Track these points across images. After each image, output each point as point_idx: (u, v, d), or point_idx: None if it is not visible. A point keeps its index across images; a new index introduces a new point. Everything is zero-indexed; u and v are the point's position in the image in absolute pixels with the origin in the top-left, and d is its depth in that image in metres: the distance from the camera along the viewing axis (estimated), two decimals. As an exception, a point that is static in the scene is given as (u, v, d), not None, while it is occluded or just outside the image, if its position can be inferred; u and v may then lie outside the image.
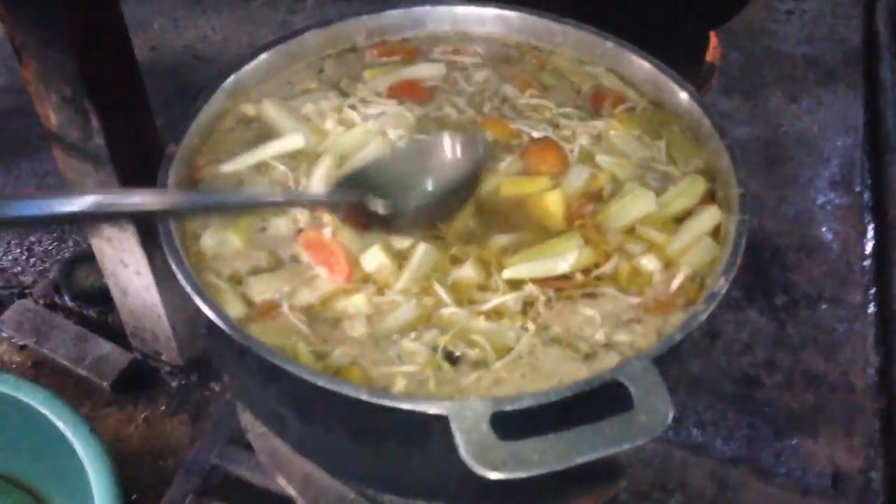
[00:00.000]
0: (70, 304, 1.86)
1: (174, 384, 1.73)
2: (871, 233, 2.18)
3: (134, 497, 1.58)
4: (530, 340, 0.88)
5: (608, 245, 0.98)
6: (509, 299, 0.92)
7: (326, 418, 0.87)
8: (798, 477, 1.69)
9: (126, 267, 1.54)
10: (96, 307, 1.85)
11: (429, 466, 0.88)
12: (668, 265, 0.97)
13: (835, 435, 1.76)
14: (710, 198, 1.04)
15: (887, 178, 2.31)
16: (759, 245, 2.12)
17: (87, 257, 1.80)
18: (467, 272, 0.94)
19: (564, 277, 0.94)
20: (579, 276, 0.95)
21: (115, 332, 1.76)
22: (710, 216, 1.00)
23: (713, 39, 1.91)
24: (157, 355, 1.73)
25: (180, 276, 0.87)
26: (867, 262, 2.11)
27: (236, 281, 0.96)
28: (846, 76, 2.58)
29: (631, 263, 0.96)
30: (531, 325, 0.89)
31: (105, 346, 1.76)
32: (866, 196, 2.27)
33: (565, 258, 0.94)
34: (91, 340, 1.77)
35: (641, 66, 1.16)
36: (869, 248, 2.14)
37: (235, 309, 0.92)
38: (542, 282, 0.94)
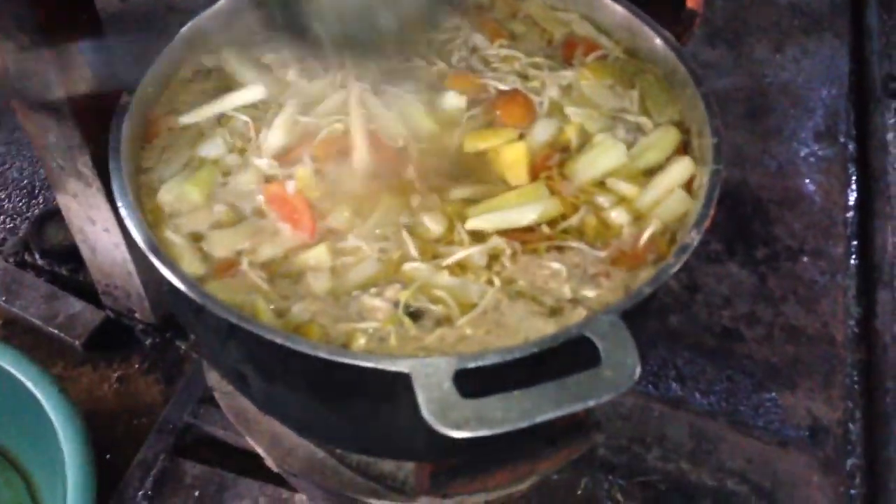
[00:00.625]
0: (40, 261, 1.82)
1: (148, 342, 1.71)
2: (854, 185, 2.16)
3: (108, 457, 1.56)
4: (495, 295, 0.86)
5: (576, 197, 0.95)
6: (474, 252, 0.89)
7: (287, 377, 0.85)
8: (776, 429, 1.69)
9: (94, 224, 1.51)
10: (67, 265, 1.81)
11: (394, 424, 0.86)
12: (638, 219, 0.94)
13: (814, 387, 1.76)
14: (683, 150, 1.01)
15: (871, 128, 2.28)
16: (740, 198, 2.10)
17: (57, 214, 1.76)
18: (430, 224, 0.92)
19: (530, 230, 0.91)
20: (545, 229, 0.93)
21: (87, 290, 1.73)
22: (682, 168, 0.97)
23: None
24: (130, 313, 1.70)
25: (134, 232, 0.84)
26: (850, 214, 2.09)
27: (196, 238, 0.93)
28: (832, 24, 2.54)
29: (599, 217, 0.94)
30: (496, 280, 0.86)
31: (77, 305, 1.73)
32: (850, 147, 2.24)
33: (531, 209, 0.91)
34: (62, 299, 1.74)
35: (616, 11, 1.12)
36: (852, 199, 2.12)
37: (193, 266, 0.89)
38: (507, 234, 0.91)
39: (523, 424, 0.72)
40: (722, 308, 1.86)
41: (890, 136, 2.28)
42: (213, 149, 1.01)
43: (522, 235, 0.91)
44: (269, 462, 1.05)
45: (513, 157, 0.97)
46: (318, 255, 0.90)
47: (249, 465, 1.38)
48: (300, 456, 1.02)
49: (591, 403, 0.73)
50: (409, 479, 0.99)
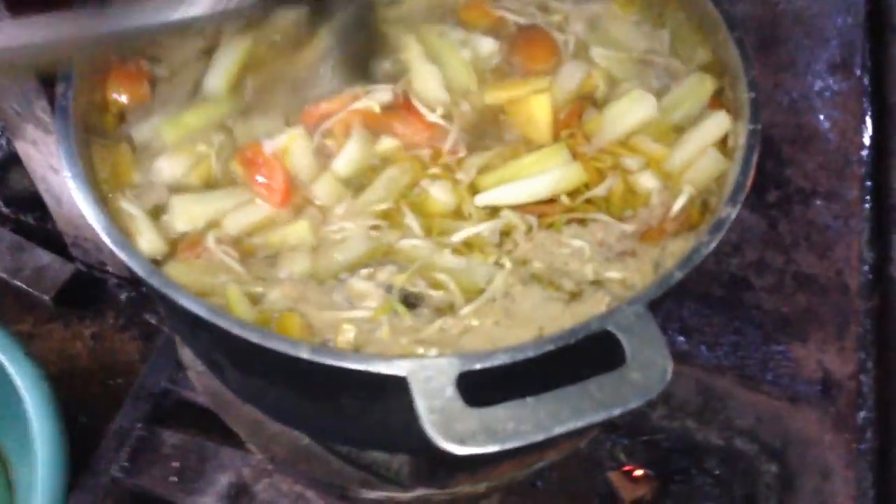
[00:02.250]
0: (5, 209, 1.70)
1: (123, 297, 1.61)
2: (869, 121, 2.04)
3: (84, 421, 1.47)
4: (506, 279, 0.75)
5: (602, 161, 0.83)
6: (483, 229, 0.78)
7: (266, 372, 0.75)
8: (786, 384, 1.61)
9: (56, 173, 1.38)
10: (34, 213, 1.69)
11: (388, 422, 0.77)
12: (668, 183, 0.83)
13: (826, 339, 1.68)
14: (716, 101, 0.89)
15: (888, 59, 2.15)
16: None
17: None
18: (439, 195, 0.80)
19: (549, 201, 0.80)
20: (566, 199, 0.81)
21: (57, 241, 1.62)
22: (716, 124, 0.86)
23: None
24: (102, 266, 1.59)
25: (82, 204, 0.72)
26: (865, 153, 1.98)
27: (157, 213, 0.81)
28: (848, -54, 2.37)
29: (626, 182, 0.82)
30: (507, 261, 0.75)
31: (45, 257, 1.62)
32: (866, 80, 2.11)
33: (550, 178, 0.79)
34: (29, 250, 1.63)
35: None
36: (867, 137, 2.00)
37: (154, 244, 0.77)
38: (521, 207, 0.80)
39: (539, 438, 0.62)
40: (730, 256, 1.76)
41: (907, 67, 2.15)
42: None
43: (540, 208, 0.79)
44: (251, 447, 0.96)
45: (536, 110, 0.84)
46: (298, 231, 0.79)
47: (233, 433, 1.29)
48: (284, 443, 0.93)
49: (617, 412, 0.63)
50: (403, 469, 0.90)
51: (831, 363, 1.66)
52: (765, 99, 2.03)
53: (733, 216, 0.74)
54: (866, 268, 1.80)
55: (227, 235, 0.79)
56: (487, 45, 0.91)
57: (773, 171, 1.91)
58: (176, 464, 1.28)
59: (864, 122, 2.02)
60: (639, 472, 1.44)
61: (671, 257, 0.77)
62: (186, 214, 0.79)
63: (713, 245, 0.73)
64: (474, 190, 0.82)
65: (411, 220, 0.78)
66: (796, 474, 1.46)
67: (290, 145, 0.82)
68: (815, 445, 1.52)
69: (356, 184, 0.84)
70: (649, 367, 0.65)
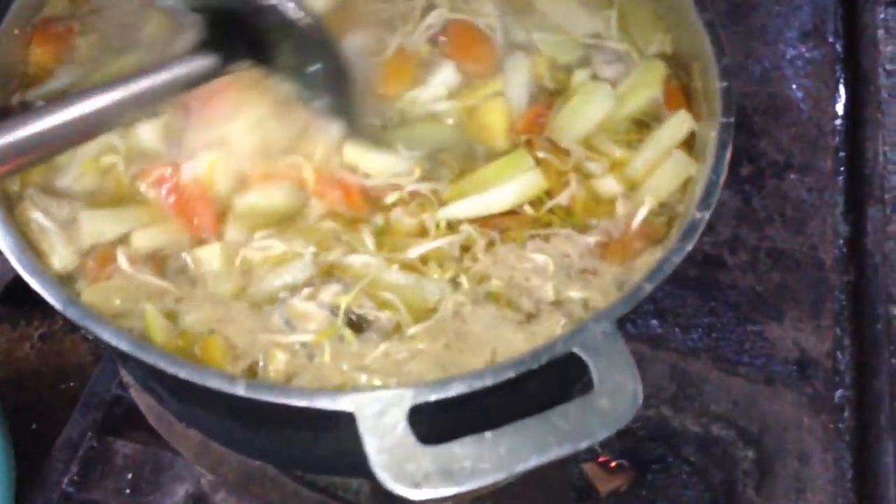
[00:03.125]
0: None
1: (72, 296, 1.53)
2: (842, 89, 1.99)
3: (35, 426, 1.40)
4: (457, 298, 0.69)
5: (564, 165, 0.76)
6: (441, 244, 0.71)
7: (205, 403, 0.69)
8: (762, 365, 1.57)
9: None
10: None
11: (340, 450, 0.71)
12: (633, 189, 0.77)
13: (801, 316, 1.64)
14: (678, 95, 0.83)
15: (861, 25, 2.10)
16: (722, 108, 1.92)
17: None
18: (401, 217, 0.73)
19: (512, 213, 0.74)
20: (529, 210, 0.75)
21: (-1, 238, 1.54)
22: (678, 124, 0.79)
23: None
24: (48, 264, 1.51)
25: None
26: (838, 122, 1.94)
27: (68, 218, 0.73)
28: None
29: (589, 188, 0.76)
30: (464, 278, 0.69)
31: (-11, 255, 1.54)
32: (839, 47, 2.06)
33: (511, 189, 0.73)
34: (-29, 249, 1.55)
35: None
36: (840, 105, 1.96)
37: (63, 259, 0.71)
38: (483, 220, 0.74)
39: (500, 476, 0.57)
40: (703, 234, 1.70)
41: (881, 32, 2.10)
42: None
43: (502, 220, 0.73)
44: (199, 471, 0.90)
45: (489, 117, 0.78)
46: (210, 254, 0.72)
47: (189, 440, 1.23)
48: (234, 464, 0.87)
49: (584, 445, 0.58)
50: (363, 489, 0.84)
51: (807, 342, 1.62)
52: (736, 69, 1.98)
53: (706, 220, 0.69)
54: (841, 241, 1.77)
55: (139, 253, 0.72)
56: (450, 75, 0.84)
57: (746, 144, 1.86)
58: (130, 475, 1.21)
59: (837, 90, 1.97)
60: (614, 463, 1.40)
61: (638, 273, 0.71)
62: (96, 231, 0.72)
63: (685, 252, 0.68)
64: (434, 205, 0.75)
65: (367, 237, 0.72)
66: (774, 459, 1.43)
67: (214, 169, 0.75)
68: (792, 429, 1.49)
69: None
70: (619, 392, 0.60)
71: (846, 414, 1.55)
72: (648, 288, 0.66)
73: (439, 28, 0.86)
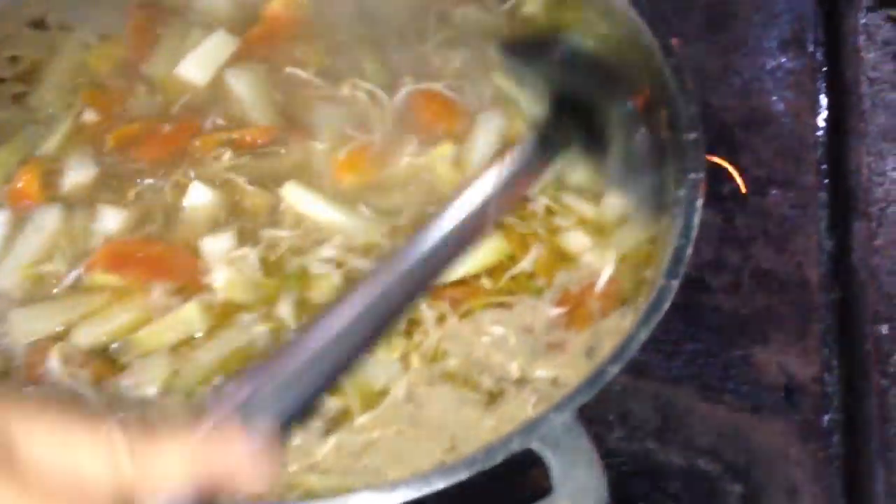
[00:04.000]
0: None
1: None
2: (824, 99, 1.95)
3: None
4: (410, 379, 0.63)
5: (529, 226, 0.71)
6: (383, 322, 0.66)
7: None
8: (748, 392, 1.53)
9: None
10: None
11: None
12: (599, 245, 0.72)
13: (787, 339, 1.60)
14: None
15: (842, 33, 2.06)
16: (703, 123, 1.87)
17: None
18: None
19: (464, 283, 0.68)
20: (486, 282, 0.70)
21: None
22: None
23: None
24: None
25: None
26: (820, 134, 1.89)
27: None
28: (796, -89, 2.27)
29: (553, 247, 0.71)
30: (415, 357, 0.64)
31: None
32: (819, 56, 2.02)
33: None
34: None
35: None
36: (822, 117, 1.92)
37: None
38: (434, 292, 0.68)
39: None
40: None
41: (862, 38, 2.05)
42: None
43: (455, 291, 0.67)
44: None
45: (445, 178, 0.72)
46: (187, 315, 0.66)
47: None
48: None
49: (544, 560, 0.53)
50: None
51: (793, 365, 1.58)
52: (715, 82, 1.94)
53: (674, 289, 0.64)
54: (826, 258, 1.72)
55: (78, 349, 0.67)
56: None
57: (727, 159, 1.82)
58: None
59: (818, 101, 1.93)
60: (597, 502, 1.35)
61: (607, 336, 0.66)
62: (28, 331, 0.67)
63: (651, 328, 0.63)
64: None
65: (286, 308, 0.67)
66: (762, 494, 1.39)
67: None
68: (780, 460, 1.45)
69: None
70: (581, 493, 0.55)
71: (835, 439, 1.51)
72: (613, 370, 0.61)
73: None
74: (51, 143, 0.91)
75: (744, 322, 1.61)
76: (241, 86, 0.93)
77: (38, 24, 1.11)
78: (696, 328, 1.59)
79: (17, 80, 1.08)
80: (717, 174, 1.77)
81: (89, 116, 0.95)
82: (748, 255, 1.69)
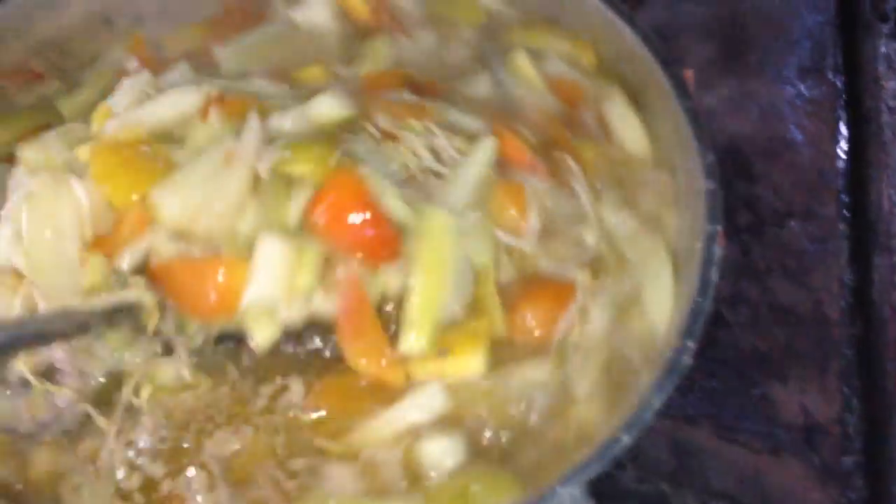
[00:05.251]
0: None
1: None
2: (844, 129, 1.91)
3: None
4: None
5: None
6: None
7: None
8: (766, 433, 1.48)
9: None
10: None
11: None
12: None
13: (807, 377, 1.55)
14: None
15: (862, 59, 2.02)
16: (719, 153, 1.83)
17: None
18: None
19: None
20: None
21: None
22: None
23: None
24: None
25: None
26: (841, 164, 1.85)
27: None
28: (815, -64, 2.23)
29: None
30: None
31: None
32: (839, 84, 1.98)
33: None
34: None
35: None
36: (842, 147, 1.87)
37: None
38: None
39: None
40: (701, 289, 1.63)
41: (882, 67, 2.01)
42: None
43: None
44: None
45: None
46: None
47: None
48: None
49: None
50: None
51: (813, 404, 1.53)
52: (733, 109, 1.90)
53: (692, 351, 0.60)
54: (846, 293, 1.68)
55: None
56: None
57: (744, 189, 1.78)
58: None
59: (838, 130, 1.89)
60: (610, 547, 1.31)
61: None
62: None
63: (667, 394, 0.59)
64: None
65: None
66: (780, 539, 1.34)
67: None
68: (799, 505, 1.40)
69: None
70: None
71: (856, 482, 1.47)
72: (626, 440, 0.57)
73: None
74: None
75: (762, 359, 1.56)
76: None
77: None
78: (712, 364, 1.55)
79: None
80: (732, 205, 1.74)
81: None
82: (766, 288, 1.65)
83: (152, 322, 0.85)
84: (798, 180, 1.79)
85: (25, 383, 0.70)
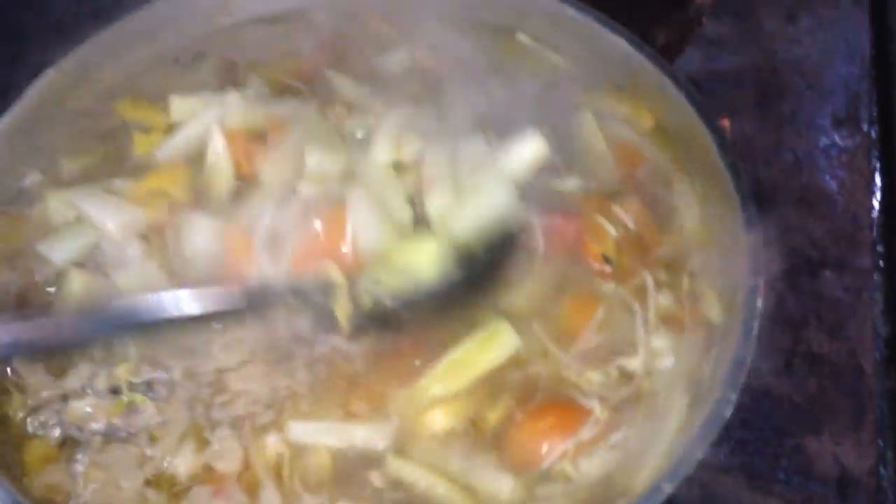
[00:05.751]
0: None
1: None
2: (879, 179, 1.91)
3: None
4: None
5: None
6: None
7: None
8: (799, 484, 1.47)
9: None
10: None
11: None
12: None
13: (841, 428, 1.54)
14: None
15: (896, 111, 2.02)
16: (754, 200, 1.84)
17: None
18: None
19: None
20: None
21: None
22: None
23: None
24: None
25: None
26: (875, 215, 1.85)
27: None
28: (850, -11, 2.25)
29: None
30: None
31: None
32: (874, 135, 1.98)
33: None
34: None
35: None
36: (877, 198, 1.87)
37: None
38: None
39: None
40: (734, 337, 1.63)
41: (917, 119, 2.02)
42: None
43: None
44: None
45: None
46: None
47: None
48: None
49: None
50: None
51: (847, 456, 1.52)
52: (767, 158, 1.91)
53: (733, 403, 0.61)
54: (881, 344, 1.67)
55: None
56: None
57: (778, 237, 1.78)
58: None
59: (873, 180, 1.89)
60: None
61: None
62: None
63: (707, 444, 0.60)
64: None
65: None
66: None
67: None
68: (834, 562, 1.38)
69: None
70: None
71: (890, 538, 1.45)
72: (667, 490, 0.58)
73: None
74: None
75: (796, 409, 1.56)
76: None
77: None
78: (745, 413, 1.54)
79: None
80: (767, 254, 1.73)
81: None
82: (800, 338, 1.64)
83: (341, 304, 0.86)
84: (832, 230, 1.79)
85: (116, 391, 0.73)
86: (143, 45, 1.10)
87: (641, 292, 0.84)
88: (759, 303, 0.64)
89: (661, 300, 0.83)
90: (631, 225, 0.88)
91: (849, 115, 1.99)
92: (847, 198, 1.85)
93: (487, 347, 0.85)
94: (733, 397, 0.61)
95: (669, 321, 0.83)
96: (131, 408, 0.68)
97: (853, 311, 1.68)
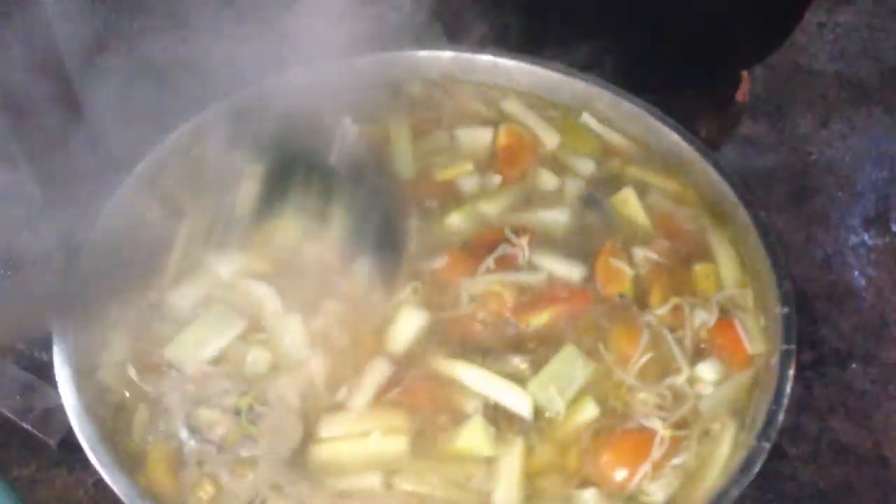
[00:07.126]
0: (20, 345, 1.67)
1: (129, 444, 1.55)
2: (906, 279, 1.98)
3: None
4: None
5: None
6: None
7: None
8: (823, 570, 1.50)
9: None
10: (49, 351, 1.66)
11: None
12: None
13: (865, 518, 1.58)
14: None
15: (925, 215, 2.10)
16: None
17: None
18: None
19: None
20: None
21: (69, 382, 1.58)
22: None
23: (744, 74, 1.71)
24: (110, 410, 1.55)
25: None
26: (903, 313, 1.91)
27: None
28: (882, 97, 2.36)
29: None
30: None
31: (55, 397, 1.58)
32: (902, 236, 2.06)
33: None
34: (40, 390, 1.59)
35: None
36: (904, 296, 1.94)
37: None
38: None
39: None
40: (763, 421, 1.68)
41: (945, 222, 2.10)
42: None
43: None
44: None
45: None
46: None
47: None
48: None
49: None
50: None
51: (871, 547, 1.55)
52: (797, 253, 1.99)
53: (766, 452, 0.69)
54: (906, 437, 1.71)
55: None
56: None
57: (807, 329, 1.84)
58: None
59: (901, 280, 1.95)
60: None
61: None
62: None
63: (743, 487, 0.67)
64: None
65: None
66: None
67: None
68: None
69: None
70: None
71: None
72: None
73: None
74: None
75: (820, 495, 1.59)
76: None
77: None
78: (772, 495, 1.59)
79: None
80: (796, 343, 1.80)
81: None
82: (826, 426, 1.69)
83: None
84: (860, 324, 1.85)
85: (238, 411, 0.80)
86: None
87: (678, 318, 0.91)
88: (792, 363, 0.72)
89: (696, 322, 0.89)
90: (657, 258, 0.95)
91: (878, 215, 2.07)
92: (875, 294, 1.92)
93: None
94: (767, 447, 0.69)
95: (707, 348, 0.89)
96: (245, 434, 0.75)
97: (879, 402, 1.73)
